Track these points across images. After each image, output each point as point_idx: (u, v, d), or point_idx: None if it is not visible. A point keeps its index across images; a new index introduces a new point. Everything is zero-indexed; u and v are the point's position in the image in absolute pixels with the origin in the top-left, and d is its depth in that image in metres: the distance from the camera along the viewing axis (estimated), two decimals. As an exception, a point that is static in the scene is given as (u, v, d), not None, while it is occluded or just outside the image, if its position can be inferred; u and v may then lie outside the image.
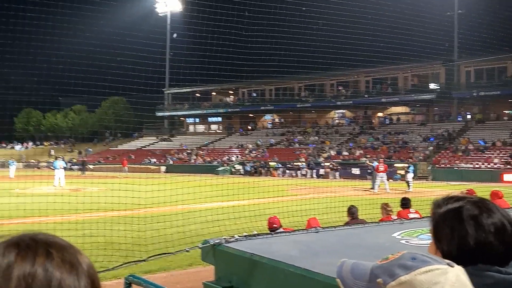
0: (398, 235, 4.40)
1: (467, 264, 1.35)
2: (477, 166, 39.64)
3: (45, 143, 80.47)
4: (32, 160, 65.31)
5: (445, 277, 0.95)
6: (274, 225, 7.98)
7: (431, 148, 45.34)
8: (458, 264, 1.34)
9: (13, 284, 0.78)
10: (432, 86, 54.03)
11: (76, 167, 55.78)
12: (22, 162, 64.80)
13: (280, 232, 5.83)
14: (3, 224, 10.56)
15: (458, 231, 1.39)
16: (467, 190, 13.06)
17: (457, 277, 0.96)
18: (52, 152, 67.04)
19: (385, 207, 9.42)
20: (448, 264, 0.99)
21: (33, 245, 0.83)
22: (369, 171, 34.01)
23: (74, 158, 64.85)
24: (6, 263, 0.80)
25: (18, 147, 78.74)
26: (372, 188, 27.85)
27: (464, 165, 39.97)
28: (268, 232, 6.90)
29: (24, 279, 0.79)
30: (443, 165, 41.10)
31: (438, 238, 1.44)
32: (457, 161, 41.16)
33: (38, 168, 55.41)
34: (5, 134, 77.18)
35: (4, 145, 77.91)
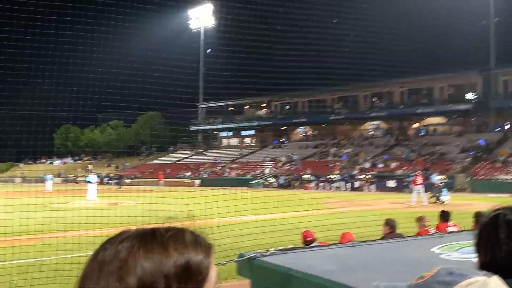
0: (437, 249, 4.31)
1: (501, 276, 1.33)
2: (517, 177, 38.48)
3: (83, 158, 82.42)
4: (70, 175, 66.94)
5: (489, 286, 0.95)
6: (308, 239, 7.92)
7: (468, 159, 44.29)
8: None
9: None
10: (468, 96, 52.91)
11: (113, 181, 56.86)
12: (60, 177, 66.49)
13: (316, 246, 5.80)
14: (44, 238, 10.86)
15: (493, 238, 1.37)
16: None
17: (498, 287, 0.95)
18: (90, 167, 68.57)
19: (421, 220, 9.23)
20: (485, 275, 0.98)
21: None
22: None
23: (111, 173, 66.14)
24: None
25: (57, 162, 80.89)
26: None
27: (504, 177, 38.85)
28: (304, 246, 6.86)
29: None
30: (482, 177, 40.05)
31: (477, 248, 1.43)
32: (496, 173, 40.07)
33: (76, 183, 56.73)
34: (44, 150, 79.36)
35: (43, 160, 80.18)
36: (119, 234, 0.92)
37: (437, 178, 32.36)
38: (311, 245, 6.99)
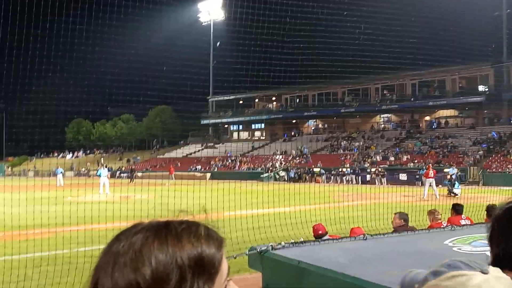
0: (450, 242, 4.29)
1: None
2: (531, 170, 38.10)
3: (95, 152, 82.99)
4: (83, 169, 67.46)
5: (467, 283, 0.94)
6: (320, 232, 7.91)
7: (481, 152, 43.94)
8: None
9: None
10: (481, 88, 52.41)
11: (124, 174, 57.20)
12: (73, 171, 67.04)
13: (327, 239, 5.79)
14: (57, 231, 10.96)
15: (506, 231, 1.36)
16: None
17: (482, 283, 0.94)
18: (102, 161, 69.03)
19: (433, 213, 9.17)
20: (482, 271, 0.97)
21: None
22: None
23: (122, 166, 66.53)
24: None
25: (69, 156, 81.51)
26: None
27: (517, 169, 38.50)
28: (315, 239, 6.85)
29: None
30: (494, 170, 39.71)
31: (490, 241, 1.42)
32: (509, 165, 39.70)
33: (89, 176, 57.16)
34: (56, 144, 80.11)
35: (56, 154, 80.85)
36: (132, 227, 0.93)
37: (455, 172, 31.97)
38: (322, 238, 6.98)
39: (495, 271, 0.98)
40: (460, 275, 0.96)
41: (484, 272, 0.96)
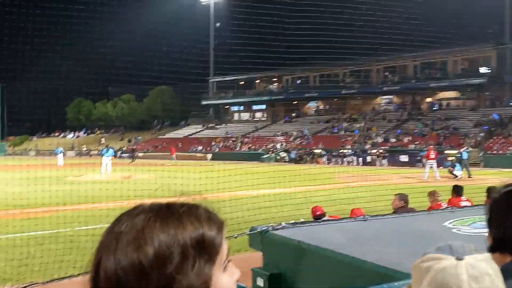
0: (449, 224, 4.32)
1: None
2: (531, 152, 38.09)
3: (96, 132, 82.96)
4: (84, 149, 67.56)
5: (434, 266, 0.96)
6: (318, 213, 7.98)
7: (482, 134, 43.88)
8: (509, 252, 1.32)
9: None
10: (482, 70, 52.11)
11: (126, 155, 57.29)
12: (73, 150, 67.16)
13: (327, 220, 5.83)
14: (59, 210, 11.04)
15: (505, 214, 1.37)
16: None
17: (448, 268, 0.95)
18: (103, 141, 69.03)
19: (433, 194, 9.20)
20: (457, 257, 0.97)
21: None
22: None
23: (124, 147, 66.60)
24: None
25: (70, 136, 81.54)
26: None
27: (518, 152, 38.50)
28: (314, 220, 6.90)
29: None
30: (495, 152, 39.72)
31: (489, 224, 1.43)
32: (510, 147, 39.70)
33: (90, 156, 57.27)
34: (58, 124, 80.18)
35: (57, 134, 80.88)
36: (134, 208, 0.94)
37: (466, 154, 31.26)
38: (322, 219, 7.03)
39: (473, 259, 0.97)
40: (432, 258, 0.98)
41: (459, 258, 0.97)
